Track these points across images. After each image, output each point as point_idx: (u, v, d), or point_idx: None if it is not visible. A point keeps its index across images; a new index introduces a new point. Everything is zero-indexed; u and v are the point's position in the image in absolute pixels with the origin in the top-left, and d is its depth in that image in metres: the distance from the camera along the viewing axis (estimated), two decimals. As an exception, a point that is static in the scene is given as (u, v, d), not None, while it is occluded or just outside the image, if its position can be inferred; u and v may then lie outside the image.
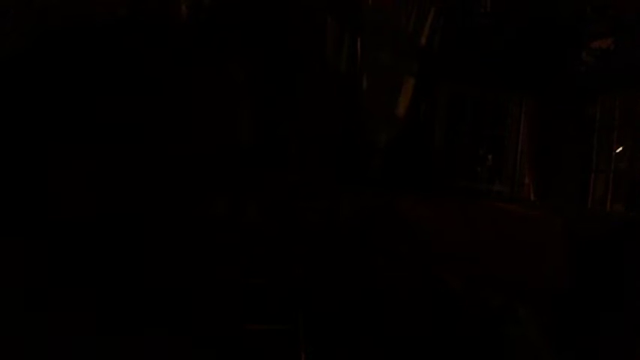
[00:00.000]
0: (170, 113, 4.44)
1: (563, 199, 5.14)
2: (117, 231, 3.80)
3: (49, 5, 4.42)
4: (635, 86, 5.21)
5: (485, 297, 4.04)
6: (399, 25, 5.58)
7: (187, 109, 4.51)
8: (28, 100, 4.15)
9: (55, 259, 3.61)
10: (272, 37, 4.96)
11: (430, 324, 3.80)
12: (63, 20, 4.41)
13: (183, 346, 3.48)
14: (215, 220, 4.04)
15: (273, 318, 3.70)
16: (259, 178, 4.42)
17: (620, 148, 5.50)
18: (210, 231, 3.97)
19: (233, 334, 3.59)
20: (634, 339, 3.52)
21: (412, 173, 5.11)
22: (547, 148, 5.41)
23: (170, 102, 4.47)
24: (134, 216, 3.89)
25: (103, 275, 3.67)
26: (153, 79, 4.46)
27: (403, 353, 3.59)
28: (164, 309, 3.60)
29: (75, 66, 4.29)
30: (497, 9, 5.57)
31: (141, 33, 4.61)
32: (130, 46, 4.50)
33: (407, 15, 5.60)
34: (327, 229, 4.24)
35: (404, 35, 5.56)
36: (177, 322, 3.59)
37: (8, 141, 4.02)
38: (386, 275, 3.97)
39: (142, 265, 3.78)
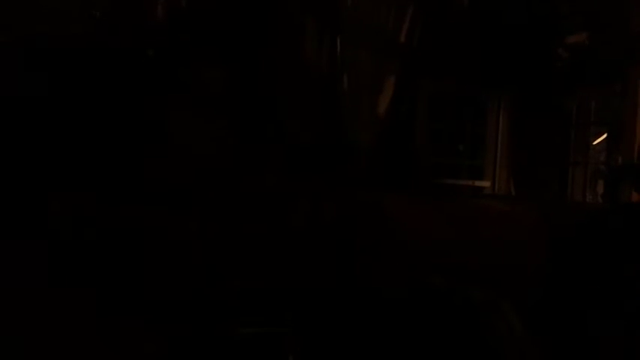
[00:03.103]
0: (146, 123, 4.38)
1: (542, 193, 5.25)
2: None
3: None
4: (609, 80, 5.31)
5: (469, 294, 4.08)
6: (378, 23, 5.59)
7: (164, 118, 4.45)
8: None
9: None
10: (250, 40, 4.93)
11: (417, 323, 3.83)
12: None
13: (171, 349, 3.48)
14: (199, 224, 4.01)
15: (262, 321, 3.71)
16: (242, 182, 4.40)
17: (599, 140, 5.60)
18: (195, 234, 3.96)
19: (225, 337, 3.60)
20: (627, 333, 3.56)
21: (395, 173, 5.15)
22: (525, 142, 5.51)
23: (146, 110, 4.41)
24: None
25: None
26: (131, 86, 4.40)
27: (393, 353, 3.63)
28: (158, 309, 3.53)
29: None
30: (475, 5, 5.63)
31: (116, 36, 4.52)
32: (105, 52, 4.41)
33: (386, 12, 5.61)
34: (311, 230, 4.26)
35: (384, 33, 5.57)
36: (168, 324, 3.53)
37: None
38: (372, 275, 3.99)
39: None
